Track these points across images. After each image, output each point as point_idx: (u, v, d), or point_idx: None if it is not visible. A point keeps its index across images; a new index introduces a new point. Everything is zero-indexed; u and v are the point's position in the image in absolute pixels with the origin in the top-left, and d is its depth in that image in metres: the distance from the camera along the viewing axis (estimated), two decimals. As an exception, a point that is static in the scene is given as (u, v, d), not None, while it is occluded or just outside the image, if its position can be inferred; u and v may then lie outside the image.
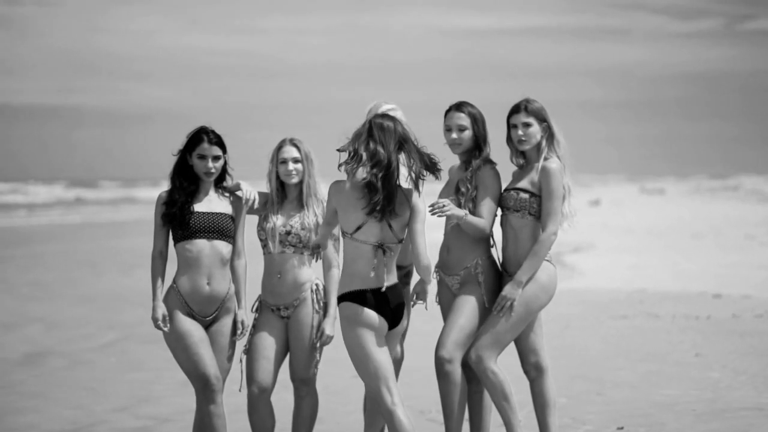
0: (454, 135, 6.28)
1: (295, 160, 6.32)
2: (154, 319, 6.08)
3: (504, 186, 6.35)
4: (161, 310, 6.08)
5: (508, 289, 6.09)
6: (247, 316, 6.28)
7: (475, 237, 6.22)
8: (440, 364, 6.12)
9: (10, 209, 46.08)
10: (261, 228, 6.35)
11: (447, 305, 6.35)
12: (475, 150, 6.30)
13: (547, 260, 6.21)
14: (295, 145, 6.35)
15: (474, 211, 6.21)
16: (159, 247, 6.19)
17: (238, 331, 6.25)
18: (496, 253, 6.37)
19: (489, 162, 6.29)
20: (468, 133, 6.28)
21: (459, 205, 6.24)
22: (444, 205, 6.04)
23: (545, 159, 6.21)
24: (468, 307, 6.17)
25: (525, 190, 6.21)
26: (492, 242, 6.36)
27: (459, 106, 6.33)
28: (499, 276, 6.31)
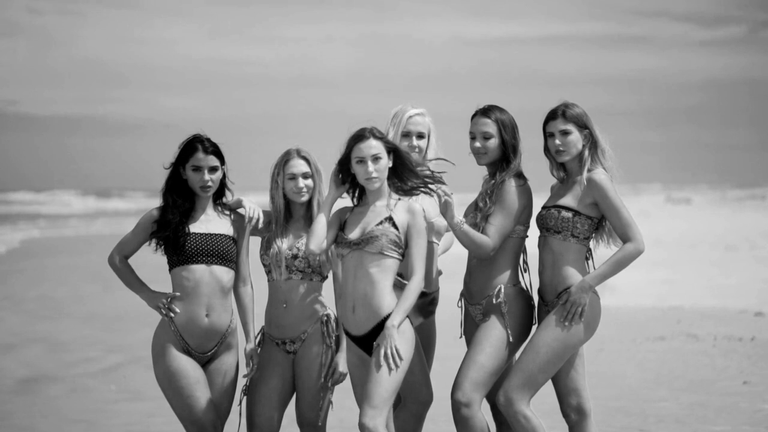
0: (478, 143, 5.55)
1: (306, 176, 5.58)
2: (159, 306, 5.39)
3: (538, 203, 5.59)
4: (158, 294, 5.41)
5: (575, 294, 5.34)
6: (256, 350, 5.55)
7: (478, 257, 5.49)
8: (456, 408, 5.38)
9: (40, 219, 45.76)
10: (264, 252, 5.61)
11: (471, 338, 5.59)
12: (502, 161, 5.54)
13: (594, 290, 5.44)
14: (305, 158, 5.60)
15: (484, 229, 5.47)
16: (125, 252, 5.52)
17: (248, 368, 5.50)
18: (527, 280, 5.60)
19: (517, 176, 5.53)
20: (494, 142, 5.52)
21: (475, 224, 5.50)
22: (449, 195, 5.40)
23: (588, 171, 5.44)
24: (489, 341, 5.42)
25: (568, 208, 5.44)
26: (523, 267, 5.59)
27: (485, 111, 5.58)
28: (529, 307, 5.55)
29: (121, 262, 5.54)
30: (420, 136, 5.81)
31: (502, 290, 5.48)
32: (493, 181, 5.55)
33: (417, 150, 5.78)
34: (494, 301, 5.48)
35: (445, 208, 5.41)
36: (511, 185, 5.50)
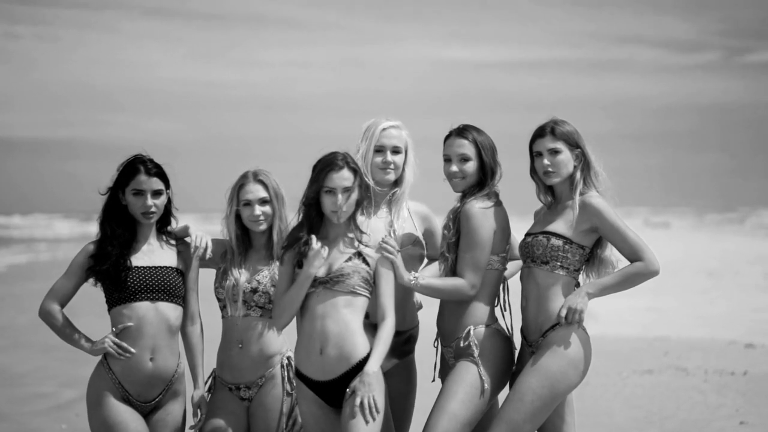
0: (454, 167, 4.93)
1: (263, 201, 4.97)
2: (107, 348, 4.76)
3: (518, 229, 5.00)
4: (98, 340, 4.78)
5: (571, 300, 4.76)
6: (206, 397, 4.93)
7: (460, 300, 4.88)
8: None
9: (18, 243, 44.96)
10: (219, 285, 4.99)
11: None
12: (478, 186, 4.94)
13: (582, 327, 4.84)
14: (261, 182, 4.99)
15: (455, 264, 4.86)
16: (60, 300, 4.86)
17: (196, 418, 4.88)
18: (507, 320, 4.99)
19: (487, 197, 4.91)
20: (472, 165, 4.92)
21: (443, 254, 4.92)
22: (393, 248, 4.73)
23: (581, 194, 4.84)
24: (462, 387, 4.80)
25: (558, 235, 4.83)
26: (502, 305, 4.98)
27: (461, 132, 4.97)
28: (507, 349, 4.93)
29: (56, 312, 4.89)
30: (395, 151, 5.19)
31: (472, 332, 4.87)
32: (457, 206, 4.96)
33: (392, 167, 5.16)
34: (462, 344, 4.87)
35: (393, 268, 4.77)
36: (473, 208, 4.87)
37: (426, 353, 5.34)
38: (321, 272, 4.66)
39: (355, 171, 4.72)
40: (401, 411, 5.23)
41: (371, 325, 4.79)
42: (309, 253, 4.62)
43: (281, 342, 4.98)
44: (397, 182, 5.24)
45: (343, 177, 4.68)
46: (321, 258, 4.62)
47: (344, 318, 4.61)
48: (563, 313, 4.74)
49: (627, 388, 10.40)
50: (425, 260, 5.31)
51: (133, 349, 4.74)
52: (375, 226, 5.11)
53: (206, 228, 5.36)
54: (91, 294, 5.04)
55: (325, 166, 4.70)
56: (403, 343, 5.22)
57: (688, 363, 11.74)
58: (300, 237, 4.70)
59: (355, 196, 4.70)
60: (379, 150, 5.17)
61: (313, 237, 4.66)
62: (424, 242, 5.27)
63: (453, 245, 4.91)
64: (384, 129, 5.18)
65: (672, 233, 53.28)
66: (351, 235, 4.75)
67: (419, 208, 5.33)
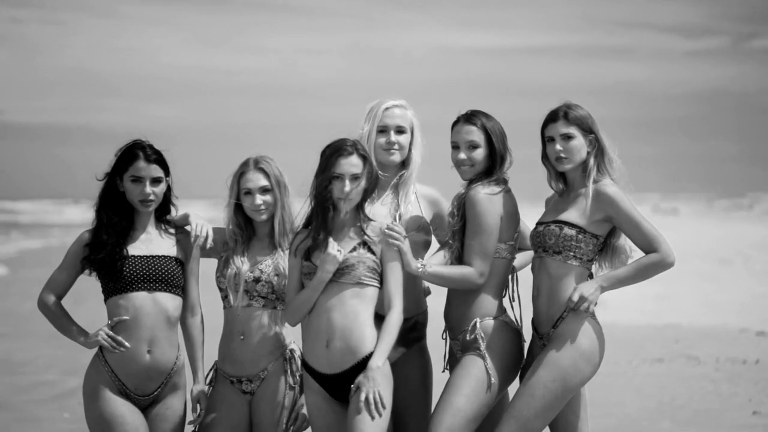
0: (462, 155, 4.75)
1: (264, 190, 4.80)
2: (101, 341, 4.58)
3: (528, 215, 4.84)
4: (93, 333, 4.61)
5: (583, 287, 4.59)
6: (206, 390, 4.78)
7: (468, 290, 4.71)
8: None
9: (26, 228, 44.93)
10: (221, 274, 4.84)
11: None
12: (486, 174, 4.77)
13: (593, 318, 4.68)
14: (262, 170, 4.82)
15: (460, 252, 4.70)
16: (57, 292, 4.72)
17: (195, 413, 4.73)
18: (516, 312, 4.82)
19: (494, 183, 4.73)
20: (481, 152, 4.74)
21: (447, 242, 4.77)
22: (400, 234, 4.58)
23: (594, 181, 4.67)
24: (467, 382, 4.64)
25: (571, 224, 4.66)
26: (510, 296, 4.82)
27: (469, 118, 4.79)
28: (516, 342, 4.78)
29: (53, 304, 4.75)
30: (399, 130, 4.99)
31: (479, 325, 4.71)
32: (462, 192, 4.79)
33: (396, 147, 4.97)
34: (468, 337, 4.71)
35: (400, 255, 4.63)
36: (479, 194, 4.70)
37: (435, 344, 5.18)
38: None
39: (365, 158, 4.57)
40: (418, 400, 5.04)
41: (377, 316, 4.63)
42: (324, 256, 4.48)
43: (285, 334, 4.83)
44: (404, 164, 5.07)
45: (352, 163, 4.54)
46: (336, 263, 4.48)
47: (352, 310, 4.48)
48: (575, 297, 4.58)
49: (638, 377, 10.26)
50: (431, 247, 5.15)
51: (127, 343, 4.59)
52: (378, 212, 4.94)
53: (211, 215, 5.22)
54: (95, 281, 4.89)
55: (334, 151, 4.56)
56: (409, 330, 5.02)
57: (700, 351, 11.59)
58: (317, 236, 4.55)
59: (363, 184, 4.55)
60: (383, 130, 4.99)
61: (331, 240, 4.52)
62: (430, 227, 5.09)
63: (458, 232, 4.77)
64: (387, 108, 5.00)
65: (681, 219, 53.09)
66: (358, 224, 4.61)
67: (428, 191, 5.14)
